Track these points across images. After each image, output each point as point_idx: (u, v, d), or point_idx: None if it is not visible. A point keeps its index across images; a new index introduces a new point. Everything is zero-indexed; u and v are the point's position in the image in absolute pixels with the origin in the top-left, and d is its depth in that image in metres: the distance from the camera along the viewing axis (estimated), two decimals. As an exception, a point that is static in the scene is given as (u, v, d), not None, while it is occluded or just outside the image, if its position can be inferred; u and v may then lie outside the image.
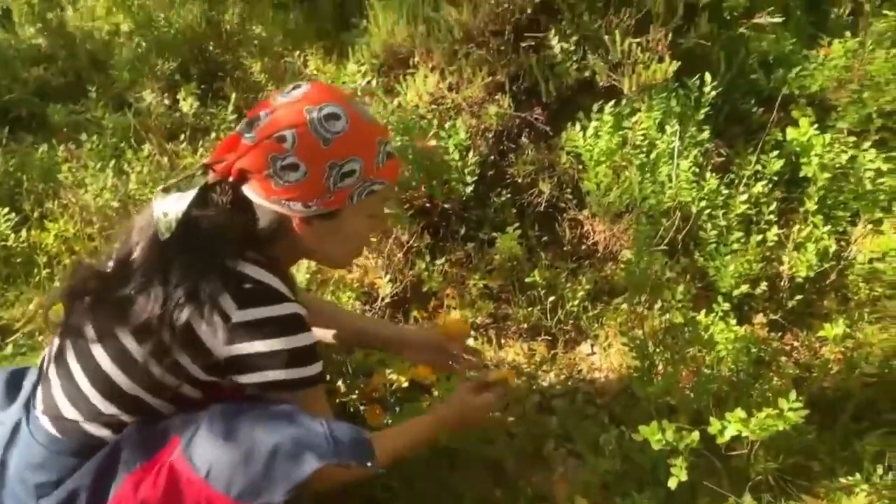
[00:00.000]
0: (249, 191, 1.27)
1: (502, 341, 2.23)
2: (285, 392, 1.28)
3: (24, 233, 2.51)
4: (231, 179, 1.27)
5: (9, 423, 1.36)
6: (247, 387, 1.27)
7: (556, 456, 1.91)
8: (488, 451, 1.87)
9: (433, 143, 2.40)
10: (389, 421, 1.88)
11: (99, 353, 1.27)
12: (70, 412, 1.29)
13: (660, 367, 1.88)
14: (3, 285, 2.41)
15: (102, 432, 1.29)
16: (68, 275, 1.30)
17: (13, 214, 2.51)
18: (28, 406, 1.35)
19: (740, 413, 1.48)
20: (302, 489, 1.19)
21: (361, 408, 1.93)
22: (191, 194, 1.24)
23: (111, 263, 1.30)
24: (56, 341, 1.33)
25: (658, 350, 1.88)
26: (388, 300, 2.23)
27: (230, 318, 1.21)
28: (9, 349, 2.11)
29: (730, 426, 1.48)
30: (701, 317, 1.99)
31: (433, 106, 2.50)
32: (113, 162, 2.58)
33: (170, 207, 1.22)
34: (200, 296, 1.20)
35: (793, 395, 1.48)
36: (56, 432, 1.30)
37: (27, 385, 1.41)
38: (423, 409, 1.88)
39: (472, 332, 2.20)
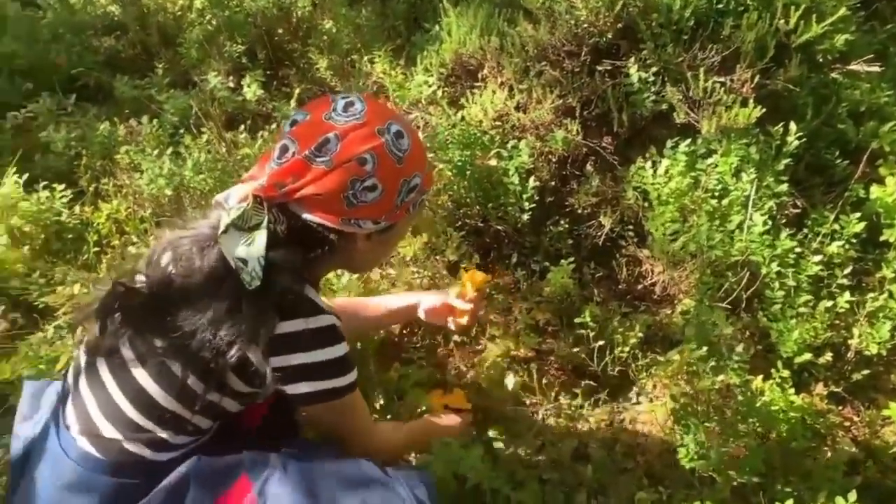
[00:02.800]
0: (309, 213, 1.25)
1: (543, 379, 2.15)
2: (325, 401, 1.31)
3: (77, 209, 2.51)
4: (288, 203, 1.25)
5: (24, 437, 1.34)
6: (287, 396, 1.29)
7: (587, 509, 1.83)
8: (518, 494, 1.80)
9: (493, 162, 2.32)
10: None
11: (137, 370, 1.25)
12: (109, 431, 1.27)
13: (705, 431, 1.78)
14: (53, 259, 2.41)
15: (141, 450, 1.28)
16: (103, 292, 1.26)
17: (68, 191, 2.51)
18: (56, 422, 1.32)
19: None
20: None
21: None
22: (261, 236, 1.21)
23: (143, 280, 1.27)
24: (83, 357, 1.32)
25: (706, 412, 1.78)
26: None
27: (274, 330, 1.22)
28: (50, 331, 2.10)
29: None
30: (758, 381, 1.88)
31: (497, 123, 2.42)
32: (170, 149, 2.56)
33: (244, 253, 1.20)
34: (261, 322, 1.21)
35: (852, 496, 1.37)
36: (95, 451, 1.27)
37: (48, 400, 1.39)
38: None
39: (513, 374, 2.12)
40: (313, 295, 1.28)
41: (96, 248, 2.42)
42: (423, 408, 1.91)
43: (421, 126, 2.56)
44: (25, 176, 2.46)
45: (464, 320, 1.91)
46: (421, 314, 1.94)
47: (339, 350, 1.30)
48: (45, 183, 2.46)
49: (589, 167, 2.35)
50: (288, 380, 1.26)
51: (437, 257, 2.30)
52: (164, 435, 1.27)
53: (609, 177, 2.34)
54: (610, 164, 2.34)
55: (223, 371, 1.22)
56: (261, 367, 1.21)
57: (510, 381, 2.09)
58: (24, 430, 1.37)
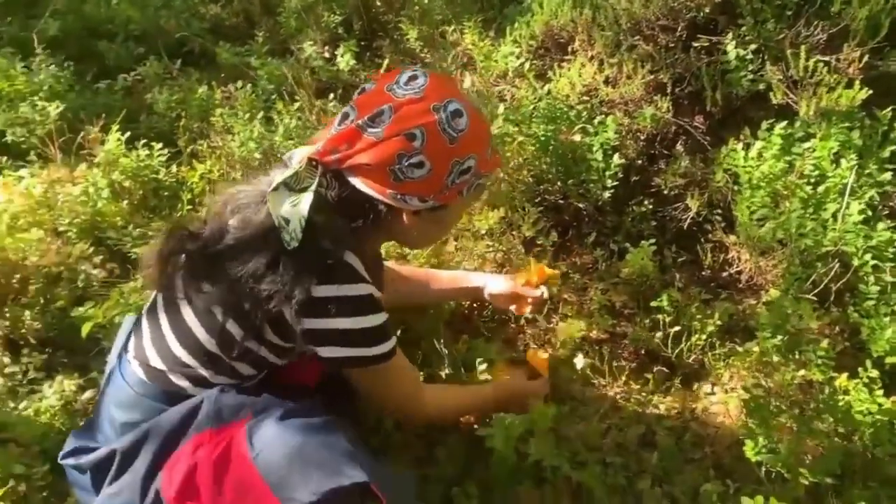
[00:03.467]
0: (360, 182, 1.25)
1: (614, 361, 2.10)
2: (356, 367, 1.33)
3: (174, 168, 2.63)
4: (341, 170, 1.25)
5: (108, 364, 1.48)
6: (319, 357, 1.30)
7: (651, 496, 1.78)
8: (580, 474, 1.77)
9: (578, 137, 2.26)
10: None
11: (186, 311, 1.32)
12: (157, 361, 1.36)
13: (778, 426, 1.70)
14: (150, 214, 2.53)
15: (183, 383, 1.35)
16: (166, 235, 1.33)
17: (167, 150, 2.62)
18: (124, 350, 1.43)
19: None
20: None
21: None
22: (307, 198, 1.23)
23: (203, 228, 1.32)
24: (153, 295, 1.41)
25: (781, 408, 1.69)
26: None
27: (309, 292, 1.22)
28: (140, 281, 2.21)
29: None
30: (842, 380, 1.78)
31: (585, 98, 2.36)
32: (262, 113, 2.63)
33: (287, 213, 1.22)
34: (298, 282, 1.22)
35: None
36: (144, 377, 1.37)
37: (125, 331, 1.49)
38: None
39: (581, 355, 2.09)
40: (355, 263, 1.27)
41: (189, 206, 2.52)
42: (489, 377, 1.91)
43: (508, 99, 2.53)
44: (127, 134, 2.58)
45: (527, 310, 1.92)
46: (486, 296, 1.94)
47: (373, 320, 1.29)
48: (145, 141, 2.58)
49: (678, 147, 2.27)
50: (319, 341, 1.28)
51: (514, 232, 2.28)
52: (204, 373, 1.34)
53: (699, 158, 2.24)
54: (700, 144, 2.25)
55: (261, 322, 1.25)
56: (294, 324, 1.23)
57: (580, 361, 2.05)
58: (110, 358, 1.53)
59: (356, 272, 1.27)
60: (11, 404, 1.94)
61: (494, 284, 1.91)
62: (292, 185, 1.24)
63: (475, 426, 1.82)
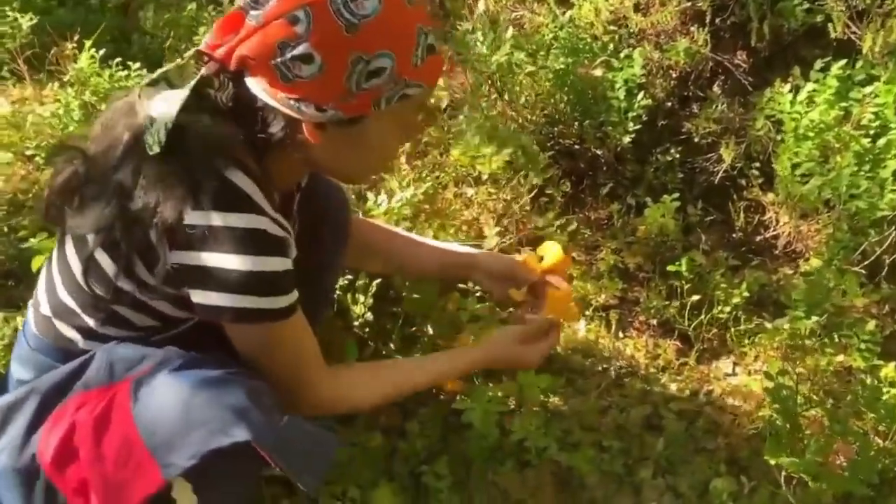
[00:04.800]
0: (254, 85, 1.00)
1: (621, 331, 1.84)
2: (236, 322, 1.05)
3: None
4: (231, 70, 0.99)
5: None
6: (197, 307, 1.04)
7: (651, 487, 1.55)
8: (570, 457, 1.54)
9: (599, 72, 1.97)
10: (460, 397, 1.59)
11: (68, 245, 1.12)
12: (45, 307, 1.16)
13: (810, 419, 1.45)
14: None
15: (72, 334, 1.14)
16: (53, 155, 1.12)
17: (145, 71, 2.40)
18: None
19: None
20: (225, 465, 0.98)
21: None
22: (180, 95, 0.97)
23: (93, 146, 1.09)
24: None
25: (812, 399, 1.43)
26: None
27: (182, 218, 0.98)
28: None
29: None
30: (889, 369, 1.51)
31: (612, 28, 2.06)
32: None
33: (157, 111, 0.97)
34: (166, 199, 0.99)
35: None
36: (35, 329, 1.19)
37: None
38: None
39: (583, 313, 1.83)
40: (246, 186, 1.02)
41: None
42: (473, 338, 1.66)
43: (525, 26, 2.24)
44: (102, 51, 2.35)
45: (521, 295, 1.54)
46: (478, 277, 1.57)
47: (268, 263, 1.03)
48: (119, 60, 2.35)
49: (715, 88, 1.97)
50: (190, 281, 1.03)
51: (521, 179, 2.01)
52: (89, 321, 1.12)
53: (738, 101, 1.95)
54: (741, 85, 1.94)
55: (128, 251, 1.03)
56: (161, 255, 1.00)
57: (581, 327, 1.82)
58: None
59: (249, 199, 1.01)
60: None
61: (488, 262, 1.56)
62: (173, 81, 1.01)
63: (455, 396, 1.59)
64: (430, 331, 1.72)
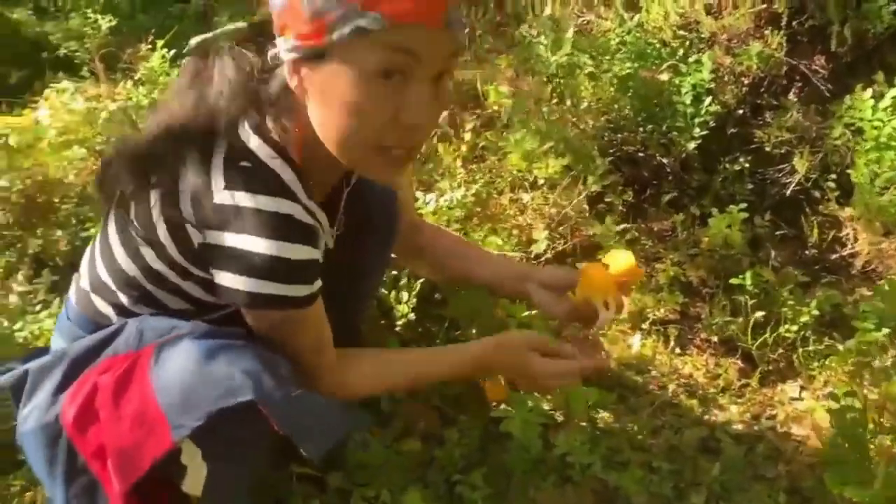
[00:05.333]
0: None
1: (680, 348, 1.74)
2: (254, 308, 1.03)
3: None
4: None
5: None
6: (219, 289, 1.02)
7: (705, 514, 1.45)
8: (618, 477, 1.45)
9: (665, 76, 1.89)
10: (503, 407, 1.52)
11: (110, 223, 1.12)
12: (84, 281, 1.18)
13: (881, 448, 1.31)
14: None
15: (107, 310, 1.15)
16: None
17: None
18: None
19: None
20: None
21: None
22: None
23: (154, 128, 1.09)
24: None
25: (883, 426, 1.30)
26: (545, 257, 1.82)
27: (212, 197, 0.96)
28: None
29: None
30: (977, 400, 1.36)
31: (681, 32, 1.97)
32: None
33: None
34: (194, 172, 0.98)
35: None
36: (74, 302, 1.20)
37: None
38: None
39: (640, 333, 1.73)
40: (282, 172, 0.99)
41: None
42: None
43: (592, 31, 2.18)
44: (173, 52, 2.41)
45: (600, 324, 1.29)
46: (533, 289, 1.38)
47: (290, 250, 0.99)
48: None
49: (791, 95, 1.85)
50: (212, 261, 1.01)
51: (581, 186, 1.94)
52: (124, 299, 1.13)
53: (814, 109, 1.82)
54: (819, 92, 1.83)
55: (156, 226, 1.03)
56: (191, 233, 1.00)
57: (636, 341, 1.72)
58: None
59: (281, 182, 0.99)
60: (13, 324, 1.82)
61: (546, 278, 1.38)
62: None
63: (498, 405, 1.53)
64: (476, 335, 1.66)
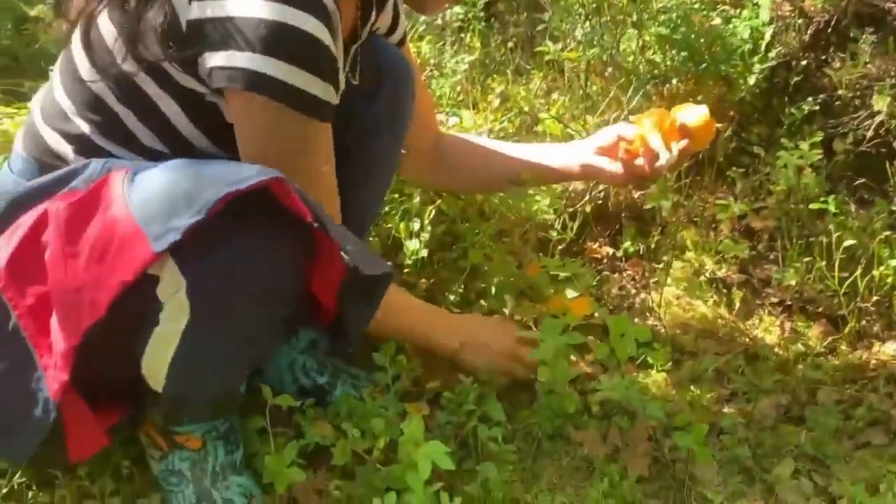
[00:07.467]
0: None
1: (747, 309, 1.44)
2: (252, 90, 0.84)
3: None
4: None
5: None
6: (213, 73, 0.86)
7: (791, 487, 1.11)
8: (679, 437, 1.13)
9: (717, 21, 1.68)
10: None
11: (74, 36, 0.95)
12: (37, 115, 1.00)
13: None
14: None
15: (63, 147, 0.96)
16: None
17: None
18: None
19: None
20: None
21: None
22: None
23: None
24: None
25: None
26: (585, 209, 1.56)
27: None
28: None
29: None
30: None
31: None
32: None
33: None
34: None
35: None
36: (21, 147, 1.01)
37: None
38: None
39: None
40: None
41: None
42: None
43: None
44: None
45: (639, 161, 1.21)
46: (592, 171, 1.30)
47: (297, 18, 0.83)
48: None
49: (864, 34, 1.60)
50: (204, 43, 0.85)
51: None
52: (85, 127, 0.94)
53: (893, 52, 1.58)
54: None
55: (137, 7, 0.86)
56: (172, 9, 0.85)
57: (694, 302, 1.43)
58: None
59: None
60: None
61: (593, 140, 1.30)
62: None
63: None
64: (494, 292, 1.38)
